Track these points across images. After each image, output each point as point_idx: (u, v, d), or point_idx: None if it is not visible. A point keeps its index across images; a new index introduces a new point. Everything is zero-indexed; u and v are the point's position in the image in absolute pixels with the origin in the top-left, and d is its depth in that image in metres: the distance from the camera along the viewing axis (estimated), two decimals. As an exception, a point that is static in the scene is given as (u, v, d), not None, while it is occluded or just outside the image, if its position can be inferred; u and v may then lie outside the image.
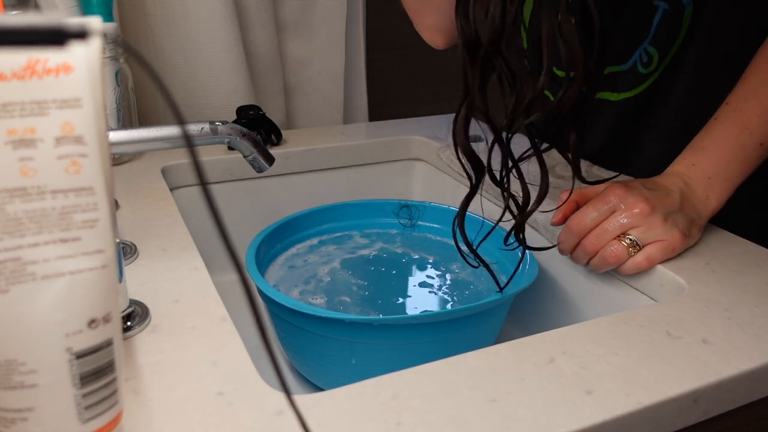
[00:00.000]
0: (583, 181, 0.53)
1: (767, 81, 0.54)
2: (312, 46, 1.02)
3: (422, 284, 0.62)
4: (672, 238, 0.52)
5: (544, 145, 0.50)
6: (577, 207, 0.58)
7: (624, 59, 0.68)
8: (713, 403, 0.39)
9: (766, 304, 0.47)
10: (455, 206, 0.59)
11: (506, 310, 0.58)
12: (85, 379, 0.27)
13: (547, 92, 0.65)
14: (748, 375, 0.40)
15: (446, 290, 0.61)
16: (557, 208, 0.58)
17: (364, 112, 1.13)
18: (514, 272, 0.55)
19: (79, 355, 0.27)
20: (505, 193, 0.50)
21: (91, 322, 0.27)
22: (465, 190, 0.55)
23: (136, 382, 0.37)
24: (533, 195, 0.49)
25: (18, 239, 0.25)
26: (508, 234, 0.53)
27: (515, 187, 0.50)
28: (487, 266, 0.54)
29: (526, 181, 0.50)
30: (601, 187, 0.57)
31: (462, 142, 0.49)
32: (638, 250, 0.52)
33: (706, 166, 0.55)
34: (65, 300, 0.26)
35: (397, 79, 1.27)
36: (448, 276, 0.63)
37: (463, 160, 0.50)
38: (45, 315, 0.26)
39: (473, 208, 0.55)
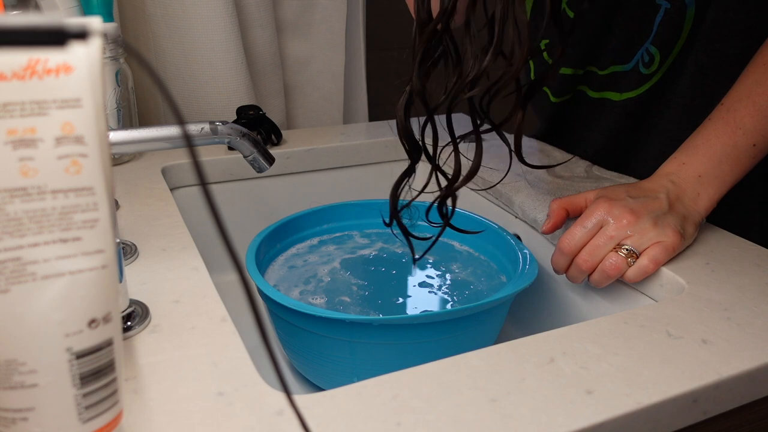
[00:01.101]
0: (524, 163, 0.53)
1: (762, 81, 0.54)
2: (312, 46, 1.02)
3: (422, 284, 0.62)
4: (668, 238, 0.52)
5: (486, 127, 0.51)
6: (567, 215, 0.58)
7: (626, 59, 0.68)
8: (713, 403, 0.39)
9: (766, 304, 0.47)
10: (455, 206, 0.59)
11: (506, 310, 0.58)
12: (85, 379, 0.27)
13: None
14: (747, 375, 0.40)
15: (446, 290, 0.61)
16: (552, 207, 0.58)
17: (364, 112, 1.12)
18: (435, 239, 0.57)
19: (79, 355, 0.27)
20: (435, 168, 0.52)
21: (91, 322, 0.27)
22: (465, 189, 0.55)
23: (136, 382, 0.37)
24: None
25: (18, 239, 0.25)
26: (430, 206, 0.54)
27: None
28: (407, 235, 0.56)
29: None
30: (590, 194, 0.57)
31: (401, 122, 0.51)
32: (636, 259, 0.52)
33: (697, 165, 0.55)
34: (65, 300, 0.26)
35: (397, 79, 1.27)
36: (448, 276, 0.63)
37: (403, 141, 0.53)
38: (45, 315, 0.26)
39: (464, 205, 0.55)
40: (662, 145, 0.67)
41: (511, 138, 0.50)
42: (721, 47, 0.62)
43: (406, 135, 0.52)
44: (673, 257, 0.53)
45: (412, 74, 0.50)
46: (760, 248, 0.56)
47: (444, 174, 0.53)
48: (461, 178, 0.51)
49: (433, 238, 0.58)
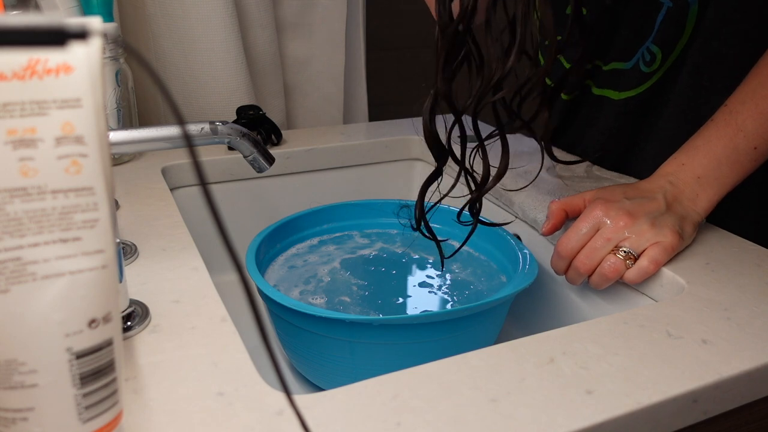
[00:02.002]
0: (555, 159, 0.53)
1: (766, 84, 0.54)
2: (312, 46, 1.02)
3: (422, 284, 0.62)
4: (666, 239, 0.52)
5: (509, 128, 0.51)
6: (566, 216, 0.58)
7: (627, 57, 0.68)
8: (713, 403, 0.39)
9: (766, 304, 0.47)
10: (455, 206, 0.59)
11: (506, 310, 0.58)
12: (85, 379, 0.27)
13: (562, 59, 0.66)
14: (747, 375, 0.40)
15: (446, 290, 0.61)
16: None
17: (364, 112, 1.13)
18: (462, 244, 0.58)
19: (79, 355, 0.27)
20: (464, 170, 0.53)
21: (91, 322, 0.27)
22: (465, 189, 0.55)
23: (136, 382, 0.37)
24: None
25: (18, 239, 0.25)
26: (461, 209, 0.54)
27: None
28: (435, 239, 0.56)
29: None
30: (588, 194, 0.57)
31: (427, 125, 0.51)
32: (635, 260, 0.52)
33: (696, 166, 0.55)
34: (65, 300, 0.26)
35: (397, 79, 1.27)
36: (448, 276, 0.63)
37: (429, 144, 0.52)
38: (45, 315, 0.26)
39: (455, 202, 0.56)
40: (661, 144, 0.67)
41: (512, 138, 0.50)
42: (719, 47, 0.61)
43: (431, 138, 0.52)
44: (672, 257, 0.53)
45: (436, 77, 0.49)
46: (760, 248, 0.56)
47: (473, 176, 0.52)
48: (491, 179, 0.51)
49: (451, 240, 0.57)
